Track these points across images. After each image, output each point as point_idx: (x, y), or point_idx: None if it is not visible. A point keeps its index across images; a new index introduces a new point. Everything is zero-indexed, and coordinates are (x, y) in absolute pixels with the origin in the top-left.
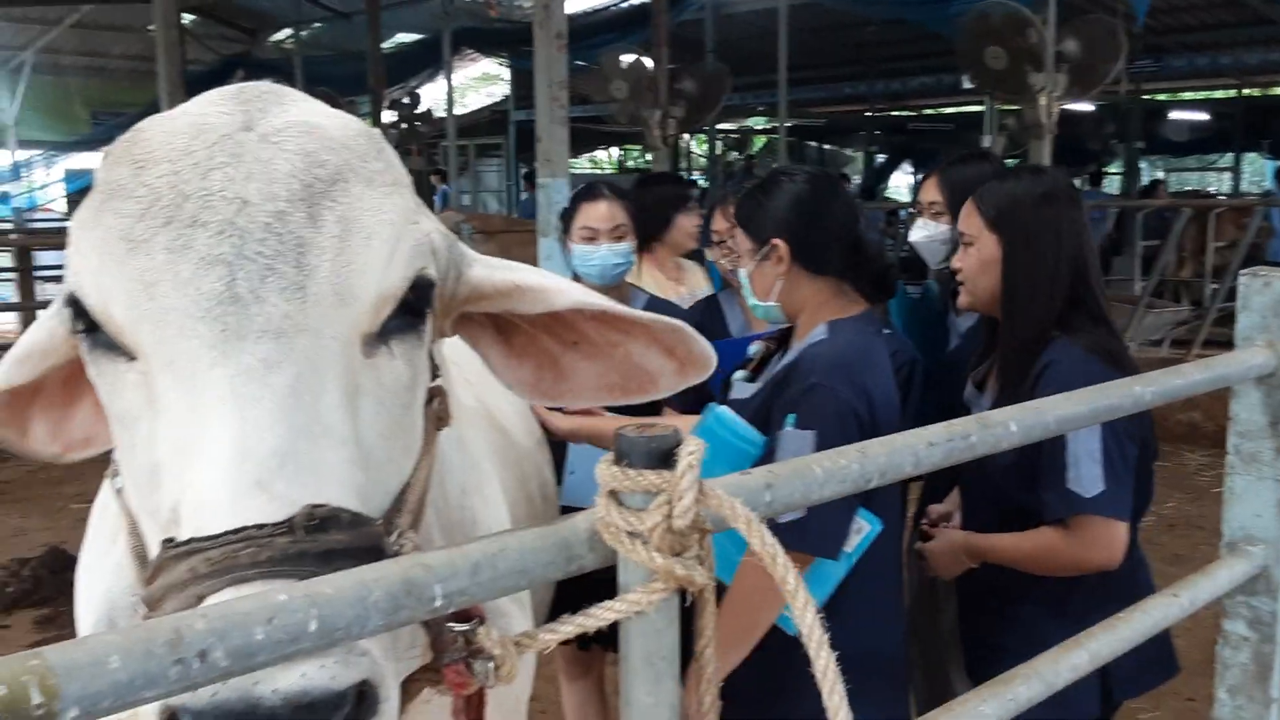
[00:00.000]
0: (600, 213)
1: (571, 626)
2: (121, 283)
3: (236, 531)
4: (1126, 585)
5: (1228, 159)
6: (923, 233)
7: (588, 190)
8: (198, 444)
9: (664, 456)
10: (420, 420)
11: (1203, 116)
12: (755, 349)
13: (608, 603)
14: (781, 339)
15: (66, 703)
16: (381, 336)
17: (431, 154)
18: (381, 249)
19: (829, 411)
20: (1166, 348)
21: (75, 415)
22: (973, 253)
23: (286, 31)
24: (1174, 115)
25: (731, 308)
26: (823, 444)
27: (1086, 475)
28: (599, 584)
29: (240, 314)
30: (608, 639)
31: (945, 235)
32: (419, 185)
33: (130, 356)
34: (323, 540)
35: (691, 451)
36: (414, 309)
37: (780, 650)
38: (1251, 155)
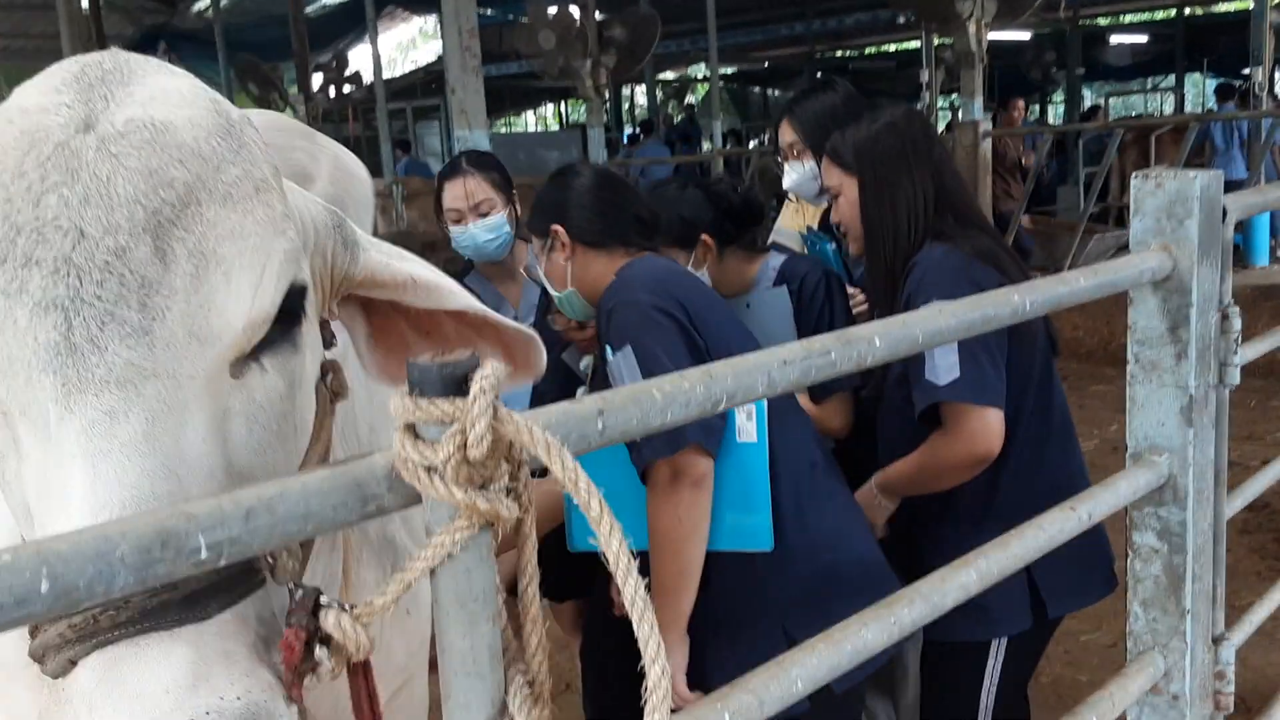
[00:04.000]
0: (458, 192)
1: (397, 585)
2: None
3: None
4: (1050, 499)
5: (1170, 81)
6: (793, 176)
7: (448, 168)
8: (55, 499)
9: (459, 384)
10: (308, 409)
11: (1143, 39)
12: (585, 363)
13: (416, 551)
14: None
15: None
16: (252, 355)
17: (369, 118)
18: (246, 279)
19: (633, 320)
20: None
21: None
22: (842, 203)
23: (205, 0)
24: (1115, 39)
25: (484, 287)
26: (645, 352)
27: (941, 364)
28: None
29: (79, 365)
30: (590, 590)
31: (814, 172)
32: (363, 152)
33: None
34: (184, 586)
35: (486, 375)
36: (286, 318)
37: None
38: (1195, 76)
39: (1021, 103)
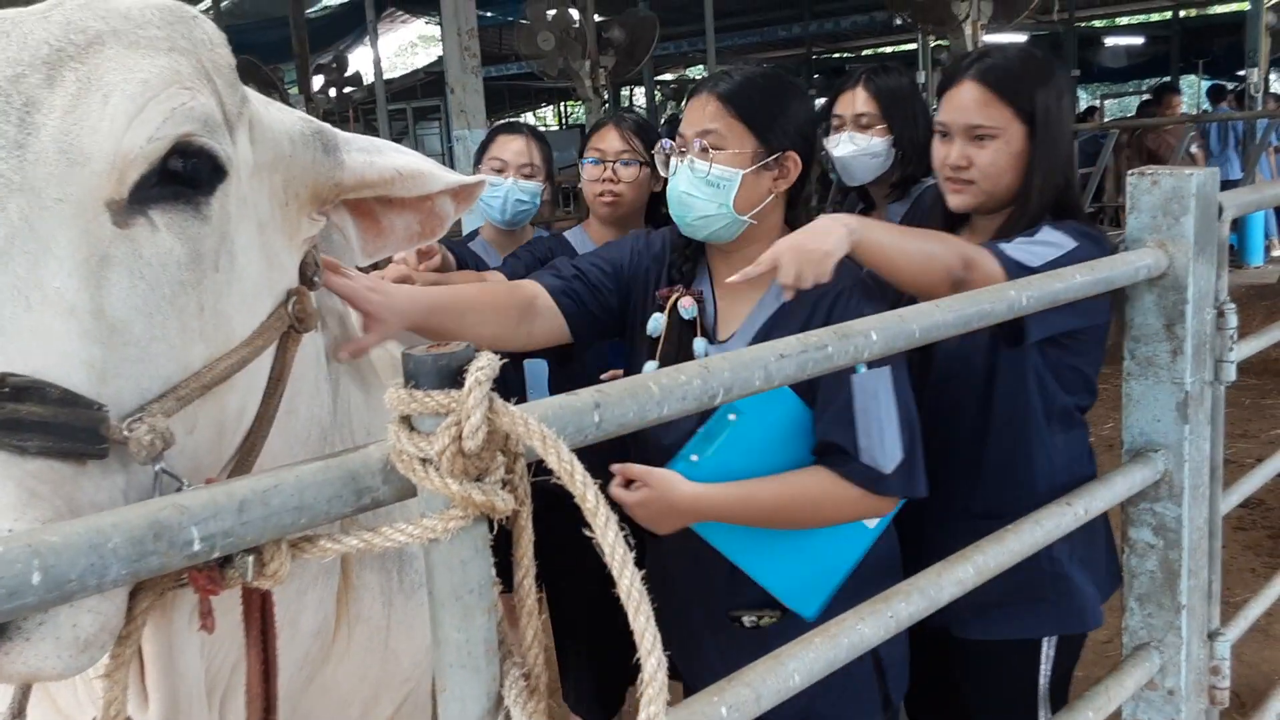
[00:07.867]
0: (514, 147)
1: (358, 541)
2: None
3: None
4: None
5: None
6: (851, 147)
7: (507, 125)
8: None
9: (454, 375)
10: (233, 302)
11: (1138, 41)
12: (691, 310)
13: (400, 524)
14: (686, 282)
15: None
16: (139, 205)
17: (370, 119)
18: (122, 106)
19: None
20: None
21: None
22: (999, 146)
23: (207, 1)
24: (1110, 41)
25: (584, 243)
26: (898, 374)
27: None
28: None
29: None
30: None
31: (879, 148)
32: None
33: None
34: (8, 409)
35: (481, 367)
36: (187, 180)
37: None
38: (1190, 78)
39: (1178, 99)
